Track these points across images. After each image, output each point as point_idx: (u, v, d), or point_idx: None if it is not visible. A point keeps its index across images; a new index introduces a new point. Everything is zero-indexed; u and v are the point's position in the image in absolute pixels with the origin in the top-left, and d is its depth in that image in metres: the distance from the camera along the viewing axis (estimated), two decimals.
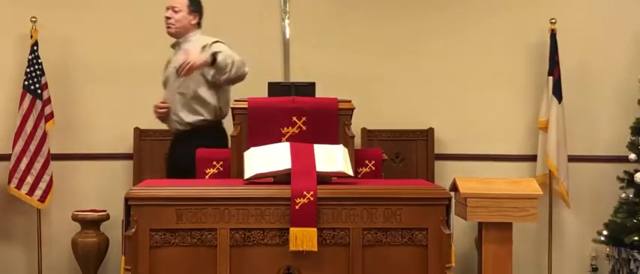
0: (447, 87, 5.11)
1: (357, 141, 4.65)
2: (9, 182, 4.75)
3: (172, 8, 4.12)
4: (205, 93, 4.03)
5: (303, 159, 3.07)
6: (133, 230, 2.91)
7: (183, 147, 3.99)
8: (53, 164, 4.83)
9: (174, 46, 4.19)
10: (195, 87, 4.01)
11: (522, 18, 5.07)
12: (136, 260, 2.91)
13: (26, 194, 4.75)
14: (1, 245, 4.93)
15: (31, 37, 4.80)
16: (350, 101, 3.85)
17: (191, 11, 4.14)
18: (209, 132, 4.07)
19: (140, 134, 4.96)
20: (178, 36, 4.14)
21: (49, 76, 4.85)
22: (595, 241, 4.68)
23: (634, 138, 4.61)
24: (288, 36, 5.15)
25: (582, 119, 5.01)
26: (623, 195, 4.58)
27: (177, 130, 4.10)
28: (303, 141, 3.37)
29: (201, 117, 4.05)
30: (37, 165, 4.75)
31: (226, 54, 3.85)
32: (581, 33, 5.03)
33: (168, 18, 4.12)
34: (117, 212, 4.40)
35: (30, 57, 4.78)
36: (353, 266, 2.96)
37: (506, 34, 5.09)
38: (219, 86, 4.04)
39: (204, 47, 3.94)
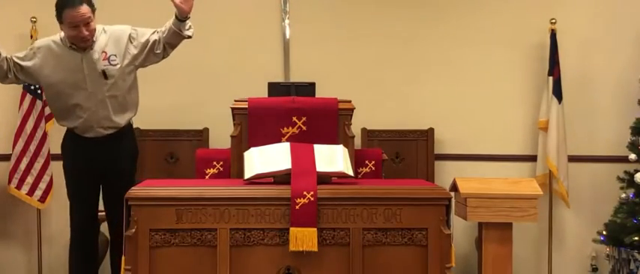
0: (447, 88, 5.11)
1: (357, 141, 4.64)
2: (9, 182, 4.74)
3: (85, 24, 3.70)
4: (135, 91, 3.98)
5: (303, 159, 3.08)
6: (133, 230, 2.92)
7: (121, 150, 3.94)
8: (53, 164, 4.82)
9: (80, 49, 3.80)
10: (126, 86, 3.90)
11: (522, 18, 5.07)
12: (136, 260, 2.91)
13: (26, 194, 4.74)
14: (1, 245, 4.93)
15: (31, 37, 4.79)
16: (350, 101, 3.85)
17: (93, 12, 3.79)
18: (132, 132, 4.09)
19: (140, 134, 4.95)
20: None
21: None
22: (595, 241, 4.68)
23: (634, 138, 4.61)
24: (288, 36, 5.15)
25: (582, 119, 5.01)
26: (623, 195, 4.58)
27: (104, 134, 3.88)
28: (303, 141, 3.37)
29: (129, 117, 3.98)
30: (37, 165, 4.75)
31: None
32: (581, 33, 5.02)
33: (85, 35, 3.71)
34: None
35: None
36: (353, 266, 2.96)
37: (506, 34, 5.08)
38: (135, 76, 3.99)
39: (130, 39, 3.90)
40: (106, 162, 3.89)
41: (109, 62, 3.83)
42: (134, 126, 4.94)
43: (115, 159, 3.92)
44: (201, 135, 4.97)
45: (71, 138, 3.95)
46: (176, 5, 3.78)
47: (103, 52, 3.82)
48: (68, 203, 4.91)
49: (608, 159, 4.95)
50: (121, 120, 3.91)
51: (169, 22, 3.88)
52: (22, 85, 4.75)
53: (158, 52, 3.93)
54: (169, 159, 4.95)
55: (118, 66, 3.85)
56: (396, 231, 2.99)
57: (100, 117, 3.84)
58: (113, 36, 3.88)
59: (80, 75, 3.78)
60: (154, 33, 3.91)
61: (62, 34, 3.82)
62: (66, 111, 3.86)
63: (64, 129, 4.17)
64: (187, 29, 3.89)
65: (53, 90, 3.85)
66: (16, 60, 3.81)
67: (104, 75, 3.80)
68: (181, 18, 3.82)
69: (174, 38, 3.90)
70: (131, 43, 3.91)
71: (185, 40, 3.96)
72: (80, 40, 3.74)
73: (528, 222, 3.77)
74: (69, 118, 3.88)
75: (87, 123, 3.83)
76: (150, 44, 3.91)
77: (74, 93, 3.80)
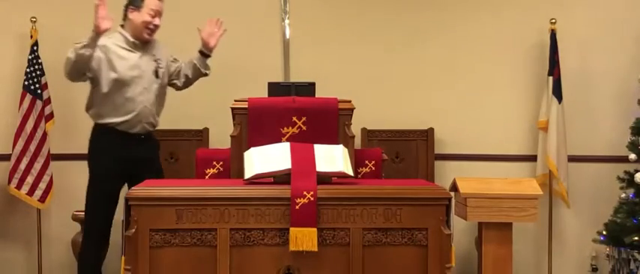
0: (447, 87, 5.11)
1: (357, 141, 4.64)
2: (9, 182, 4.74)
3: (159, 15, 4.07)
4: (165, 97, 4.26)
5: (303, 159, 3.08)
6: (133, 230, 2.92)
7: (155, 147, 4.23)
8: (53, 164, 4.83)
9: (138, 48, 4.05)
10: (164, 92, 4.20)
11: (522, 18, 5.07)
12: (136, 260, 2.91)
13: (26, 194, 4.74)
14: (1, 245, 4.93)
15: (31, 37, 4.80)
16: (350, 101, 3.85)
17: None
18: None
19: None
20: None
21: (49, 76, 4.85)
22: (595, 241, 4.68)
23: (634, 138, 4.61)
24: (288, 36, 5.15)
25: (582, 119, 5.01)
26: (623, 195, 4.58)
27: (147, 131, 4.10)
28: (303, 141, 3.37)
29: (159, 120, 4.25)
30: (37, 165, 4.75)
31: None
32: (581, 33, 5.02)
33: (157, 25, 4.05)
34: (117, 213, 4.39)
35: (30, 57, 4.78)
36: (353, 266, 2.96)
37: (506, 34, 5.08)
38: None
39: (171, 55, 4.28)
40: (143, 161, 4.05)
41: (158, 65, 4.12)
42: None
43: (151, 157, 4.17)
44: (201, 135, 4.98)
45: (109, 136, 4.01)
46: (203, 39, 4.17)
47: (153, 54, 4.12)
48: (68, 203, 4.93)
49: (608, 159, 4.95)
50: (158, 120, 4.20)
51: (192, 57, 4.25)
52: (22, 85, 4.75)
53: (177, 81, 4.29)
54: (169, 159, 4.95)
55: (164, 71, 4.15)
56: (396, 231, 2.99)
57: (148, 113, 4.05)
58: (161, 45, 4.20)
59: (137, 71, 4.01)
60: (181, 63, 4.29)
61: (120, 31, 4.05)
62: (119, 105, 3.98)
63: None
64: (207, 67, 4.27)
65: (111, 84, 3.96)
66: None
67: (156, 74, 4.09)
68: (206, 52, 4.22)
69: (193, 72, 4.26)
70: (170, 59, 4.26)
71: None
72: (149, 31, 4.02)
73: (528, 222, 3.77)
74: (119, 113, 3.99)
75: (137, 117, 4.01)
76: (178, 71, 4.28)
77: (130, 88, 3.98)
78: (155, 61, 4.11)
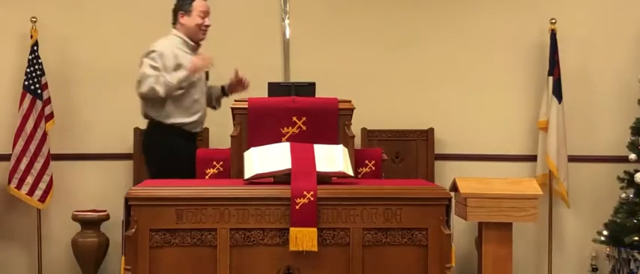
0: (447, 87, 5.11)
1: (357, 141, 4.64)
2: (9, 182, 4.74)
3: (208, 15, 4.17)
4: None
5: (303, 159, 3.08)
6: (133, 230, 2.92)
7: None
8: (53, 164, 4.83)
9: (195, 50, 4.18)
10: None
11: (522, 18, 5.07)
12: (136, 260, 2.91)
13: (26, 194, 4.75)
14: (1, 245, 4.93)
15: (31, 37, 4.80)
16: (350, 101, 3.85)
17: None
18: None
19: (140, 134, 4.96)
20: None
21: (49, 76, 4.85)
22: (595, 241, 4.68)
23: (634, 138, 4.61)
24: (288, 36, 5.15)
25: (582, 119, 5.01)
26: (623, 195, 4.58)
27: (197, 132, 4.24)
28: (303, 141, 3.37)
29: None
30: (37, 165, 4.75)
31: None
32: (581, 33, 5.02)
33: (208, 25, 4.16)
34: (117, 212, 4.39)
35: (30, 57, 4.78)
36: (353, 266, 2.96)
37: (506, 34, 5.08)
38: None
39: None
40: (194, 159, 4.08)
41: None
42: (134, 126, 4.98)
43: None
44: (201, 135, 4.97)
45: (175, 135, 4.07)
46: (233, 83, 4.26)
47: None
48: (68, 203, 4.93)
49: (608, 159, 4.95)
50: None
51: (213, 86, 4.34)
52: (22, 85, 4.75)
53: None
54: None
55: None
56: (396, 231, 2.99)
57: (205, 114, 4.25)
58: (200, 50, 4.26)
59: (198, 74, 4.09)
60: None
61: (177, 34, 4.13)
62: (188, 107, 4.08)
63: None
64: (219, 104, 4.41)
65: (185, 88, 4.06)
66: (164, 74, 3.96)
67: (206, 75, 4.23)
68: (227, 93, 4.33)
69: (206, 97, 4.27)
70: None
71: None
72: (202, 31, 4.13)
73: (528, 222, 3.77)
74: (189, 114, 4.09)
75: (201, 118, 4.19)
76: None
77: (194, 90, 4.10)
78: None
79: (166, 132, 4.07)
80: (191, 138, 4.16)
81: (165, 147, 4.07)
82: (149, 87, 3.92)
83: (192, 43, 4.15)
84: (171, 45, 4.07)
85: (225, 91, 4.35)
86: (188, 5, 4.11)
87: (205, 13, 4.13)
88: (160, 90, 3.92)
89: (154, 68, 3.95)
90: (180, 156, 4.00)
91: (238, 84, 4.28)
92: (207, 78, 4.25)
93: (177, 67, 4.01)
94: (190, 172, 3.88)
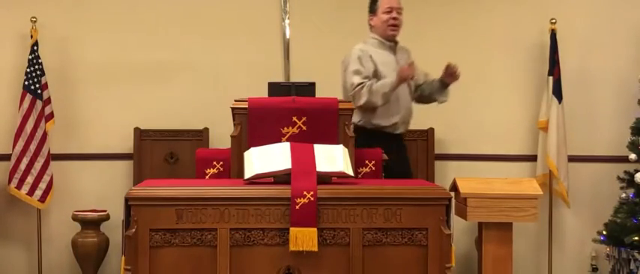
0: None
1: None
2: (9, 182, 4.74)
3: (398, 10, 4.15)
4: None
5: (303, 159, 3.07)
6: (133, 230, 2.91)
7: (406, 149, 4.29)
8: (53, 164, 4.83)
9: (392, 49, 4.19)
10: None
11: (522, 18, 5.07)
12: (136, 260, 2.91)
13: (26, 194, 4.75)
14: (1, 245, 4.93)
15: (31, 37, 4.80)
16: (350, 101, 3.85)
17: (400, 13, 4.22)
18: None
19: (140, 134, 4.96)
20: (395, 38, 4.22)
21: (49, 76, 4.85)
22: (595, 241, 4.68)
23: (634, 138, 4.61)
24: (288, 36, 5.15)
25: (582, 119, 5.01)
26: (623, 195, 4.58)
27: (405, 131, 4.22)
28: (303, 141, 3.36)
29: None
30: (37, 165, 4.75)
31: None
32: (581, 33, 5.03)
33: (395, 19, 4.13)
34: (117, 212, 4.40)
35: (30, 57, 4.78)
36: (353, 266, 2.96)
37: (506, 34, 5.08)
38: None
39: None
40: (400, 161, 4.10)
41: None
42: (134, 126, 4.98)
43: (405, 158, 4.23)
44: (201, 135, 4.98)
45: (379, 140, 4.02)
46: (445, 75, 4.16)
47: (407, 56, 4.23)
48: (68, 203, 4.94)
49: (608, 159, 4.95)
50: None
51: (432, 82, 4.30)
52: (22, 85, 4.76)
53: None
54: (169, 158, 4.96)
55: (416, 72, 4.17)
56: (396, 231, 2.98)
57: (409, 113, 4.20)
58: (406, 47, 4.30)
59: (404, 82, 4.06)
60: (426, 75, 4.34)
61: (372, 36, 4.19)
62: (386, 109, 4.06)
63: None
64: (443, 95, 4.27)
65: None
66: (374, 81, 4.01)
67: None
68: (446, 82, 4.22)
69: (429, 92, 4.29)
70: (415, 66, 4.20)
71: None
72: (390, 28, 4.11)
73: (528, 222, 3.77)
74: (390, 115, 4.10)
75: (403, 118, 4.15)
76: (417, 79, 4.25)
77: (395, 92, 4.04)
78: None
79: (368, 137, 4.04)
80: (395, 140, 4.13)
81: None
82: (365, 100, 3.95)
83: (388, 42, 4.16)
84: (366, 48, 4.12)
85: (444, 83, 4.25)
86: (374, 5, 4.19)
87: (391, 9, 4.13)
88: (377, 100, 3.96)
89: (358, 73, 3.99)
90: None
91: (450, 76, 4.19)
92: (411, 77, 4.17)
93: (375, 67, 4.04)
94: (397, 175, 3.81)
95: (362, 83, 3.97)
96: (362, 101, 3.96)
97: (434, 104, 4.95)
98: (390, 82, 3.96)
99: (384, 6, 4.14)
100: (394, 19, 4.13)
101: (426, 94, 4.32)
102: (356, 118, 4.07)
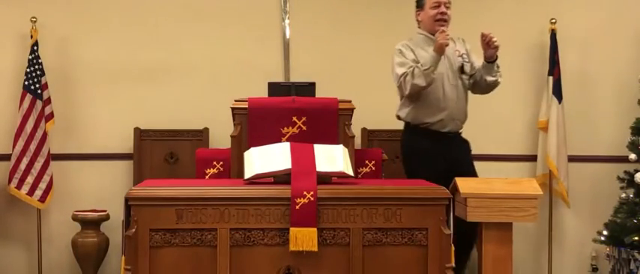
0: None
1: (357, 141, 4.64)
2: (9, 182, 4.74)
3: (446, 4, 4.08)
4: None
5: (303, 159, 3.07)
6: (133, 230, 2.91)
7: (469, 150, 4.18)
8: (53, 164, 4.82)
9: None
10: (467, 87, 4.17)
11: (522, 18, 5.07)
12: (136, 260, 2.91)
13: (26, 194, 4.74)
14: (1, 245, 4.92)
15: (31, 37, 4.79)
16: (350, 101, 3.85)
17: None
18: None
19: (140, 134, 4.96)
20: None
21: (49, 76, 4.85)
22: (595, 241, 4.68)
23: (634, 138, 4.61)
24: (288, 36, 5.15)
25: (582, 119, 5.01)
26: (623, 195, 4.58)
27: (457, 129, 4.13)
28: (303, 141, 3.37)
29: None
30: (37, 165, 4.74)
31: None
32: (581, 33, 5.02)
33: (443, 13, 4.05)
34: (117, 213, 4.40)
35: (30, 57, 4.78)
36: (353, 266, 2.96)
37: (506, 34, 5.06)
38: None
39: (469, 50, 4.20)
40: (458, 161, 3.99)
41: (464, 60, 4.10)
42: (134, 126, 4.97)
43: (466, 160, 4.12)
44: (201, 135, 4.98)
45: (424, 137, 4.01)
46: (484, 48, 3.99)
47: (457, 49, 4.11)
48: (68, 203, 4.93)
49: (608, 159, 4.95)
50: (467, 117, 4.17)
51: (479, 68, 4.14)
52: (22, 85, 4.75)
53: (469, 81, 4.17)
54: (169, 158, 4.95)
55: (469, 64, 4.11)
56: (396, 231, 2.99)
57: (459, 111, 4.09)
58: (462, 41, 4.22)
59: (442, 69, 3.97)
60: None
61: (419, 32, 4.13)
62: (430, 105, 4.00)
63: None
64: (491, 72, 4.07)
65: None
66: (414, 65, 3.93)
67: (461, 70, 4.08)
68: (490, 61, 4.03)
69: (480, 76, 4.10)
70: (471, 54, 4.19)
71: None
72: (439, 22, 4.00)
73: (528, 222, 3.77)
74: (432, 113, 4.02)
75: (449, 116, 4.03)
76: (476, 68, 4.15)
77: (438, 87, 3.98)
78: (460, 56, 4.11)
79: (414, 135, 4.03)
80: (442, 138, 4.03)
81: (414, 151, 4.04)
82: (410, 85, 3.88)
83: (434, 37, 4.03)
84: (411, 42, 4.07)
85: (488, 60, 4.06)
86: (421, 0, 4.13)
87: (438, 3, 4.05)
88: (420, 81, 3.85)
89: (401, 65, 3.94)
90: (429, 159, 3.94)
91: (487, 46, 3.97)
92: (462, 72, 4.11)
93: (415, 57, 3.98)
94: (443, 175, 3.54)
95: (405, 72, 3.92)
96: (408, 87, 3.90)
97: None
98: (430, 58, 3.86)
99: (432, 1, 4.07)
100: (442, 13, 4.05)
101: (478, 79, 4.16)
102: (402, 114, 4.06)
